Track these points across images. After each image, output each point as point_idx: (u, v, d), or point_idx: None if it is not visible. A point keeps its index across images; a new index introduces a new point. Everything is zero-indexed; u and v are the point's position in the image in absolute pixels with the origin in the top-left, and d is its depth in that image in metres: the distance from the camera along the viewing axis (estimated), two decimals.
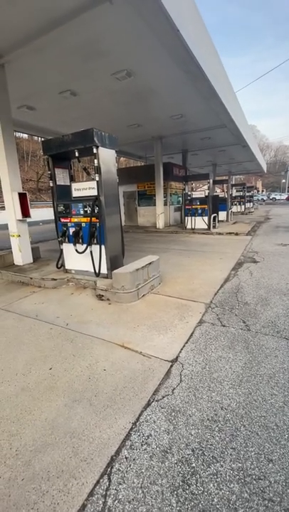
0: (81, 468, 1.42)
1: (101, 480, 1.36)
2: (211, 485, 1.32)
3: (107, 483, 1.34)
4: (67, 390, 2.00)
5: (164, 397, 1.91)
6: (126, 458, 1.47)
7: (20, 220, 5.27)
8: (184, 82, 6.10)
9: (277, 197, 46.14)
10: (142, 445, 1.54)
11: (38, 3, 3.62)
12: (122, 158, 26.91)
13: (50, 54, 4.85)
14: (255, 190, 28.78)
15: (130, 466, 1.42)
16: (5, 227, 5.57)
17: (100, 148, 3.87)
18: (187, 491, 1.29)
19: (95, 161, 3.89)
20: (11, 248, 5.55)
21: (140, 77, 5.95)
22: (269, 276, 4.61)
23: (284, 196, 45.65)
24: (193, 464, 1.42)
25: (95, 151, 3.84)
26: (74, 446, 1.55)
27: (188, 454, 1.48)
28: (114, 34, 4.41)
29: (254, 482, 1.33)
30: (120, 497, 1.27)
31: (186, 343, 2.60)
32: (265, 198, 46.93)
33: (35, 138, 28.98)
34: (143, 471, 1.40)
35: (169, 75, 5.83)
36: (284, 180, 60.20)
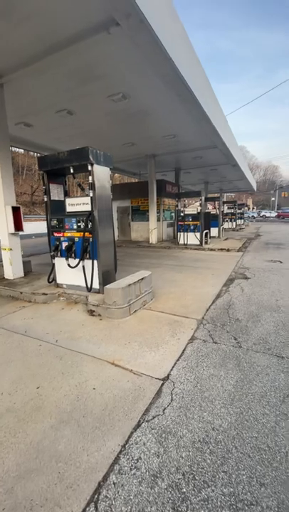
0: (66, 496, 1.35)
1: (87, 508, 1.29)
2: None
3: None
4: (54, 411, 1.93)
5: (154, 417, 1.86)
6: (114, 483, 1.41)
7: (12, 234, 5.25)
8: (177, 105, 6.41)
9: (267, 214, 47.44)
10: (130, 469, 1.49)
11: (39, 29, 3.82)
12: (116, 174, 27.45)
13: (48, 76, 5.05)
14: (246, 208, 29.55)
15: (118, 492, 1.36)
16: None
17: (95, 165, 3.96)
18: None
19: (90, 177, 3.97)
20: (1, 261, 5.48)
21: (135, 99, 6.22)
22: (260, 292, 4.67)
23: (274, 214, 47.01)
24: (184, 489, 1.38)
25: (89, 168, 3.93)
26: (60, 472, 1.48)
27: (178, 479, 1.43)
28: (110, 60, 4.65)
29: (246, 508, 1.29)
30: None
31: (178, 360, 2.57)
32: (255, 215, 48.21)
33: (31, 153, 29.42)
34: (131, 497, 1.34)
35: (163, 98, 6.12)
36: (273, 199, 62.24)
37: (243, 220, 24.57)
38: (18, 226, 5.23)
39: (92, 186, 3.98)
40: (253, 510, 1.28)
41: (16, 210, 5.19)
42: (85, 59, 4.57)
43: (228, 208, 21.37)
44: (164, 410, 1.92)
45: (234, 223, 20.89)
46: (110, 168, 4.31)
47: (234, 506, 1.29)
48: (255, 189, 31.60)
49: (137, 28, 3.58)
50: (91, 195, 4.01)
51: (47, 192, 4.51)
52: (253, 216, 46.17)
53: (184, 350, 2.76)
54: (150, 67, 4.74)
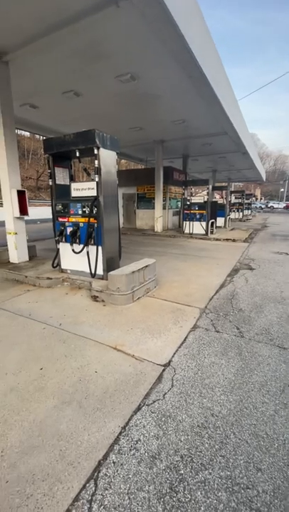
0: (67, 472, 1.39)
1: (87, 485, 1.33)
2: (199, 493, 1.30)
3: (94, 489, 1.31)
4: (57, 392, 1.98)
5: (154, 401, 1.89)
6: (114, 463, 1.45)
7: (17, 218, 5.24)
8: (187, 87, 6.16)
9: (275, 205, 46.57)
10: (130, 450, 1.52)
11: (45, 4, 3.64)
12: (122, 160, 27.01)
13: (55, 54, 4.86)
14: (254, 198, 29.01)
15: (118, 471, 1.40)
16: (1, 223, 5.52)
17: (101, 149, 3.87)
18: (174, 499, 1.27)
19: (96, 161, 3.89)
20: (6, 245, 5.50)
21: (144, 80, 5.99)
22: (264, 283, 4.63)
23: (282, 205, 46.10)
24: (182, 471, 1.41)
25: (95, 151, 3.84)
26: (61, 449, 1.52)
27: (176, 461, 1.46)
28: (119, 37, 4.44)
29: (242, 491, 1.31)
30: (106, 503, 1.25)
31: (180, 347, 2.59)
32: (263, 206, 47.33)
33: (37, 136, 28.99)
34: (130, 476, 1.38)
35: (173, 79, 5.88)
36: (282, 189, 60.84)
37: (250, 211, 24.16)
38: (23, 210, 5.21)
39: (97, 171, 3.91)
40: (249, 493, 1.30)
41: (21, 194, 5.15)
42: (93, 36, 4.37)
43: (236, 198, 20.96)
44: (164, 395, 1.95)
45: (241, 213, 20.56)
46: (117, 153, 4.21)
47: (230, 489, 1.32)
48: (264, 179, 30.85)
49: (147, 1, 3.38)
50: (97, 179, 3.94)
51: (52, 176, 4.45)
52: (260, 207, 45.35)
53: (186, 337, 2.78)
54: (160, 45, 4.52)
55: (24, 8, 3.71)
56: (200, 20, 4.89)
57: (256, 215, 27.52)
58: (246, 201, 21.93)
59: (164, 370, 2.24)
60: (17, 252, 5.36)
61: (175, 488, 1.32)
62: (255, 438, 1.61)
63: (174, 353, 2.48)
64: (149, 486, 1.33)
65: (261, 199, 59.73)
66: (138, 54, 4.95)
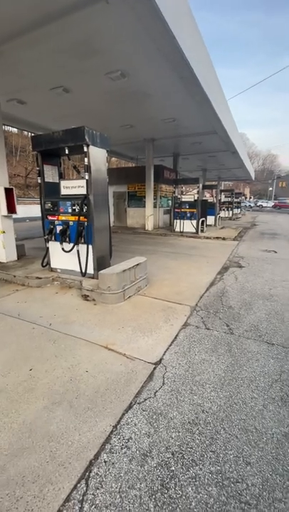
0: (58, 473, 1.38)
1: (78, 485, 1.33)
2: (190, 488, 1.32)
3: (85, 488, 1.31)
4: (47, 392, 1.95)
5: (146, 399, 1.90)
6: (105, 462, 1.44)
7: (5, 216, 5.12)
8: (178, 86, 6.16)
9: (264, 204, 47.36)
10: (121, 448, 1.52)
11: None
12: (113, 158, 26.82)
13: (43, 48, 4.76)
14: (243, 197, 29.46)
15: (109, 470, 1.40)
16: None
17: (91, 146, 3.83)
18: (165, 495, 1.28)
19: (85, 159, 3.85)
20: None
21: (134, 78, 5.95)
22: (253, 281, 4.71)
23: (270, 204, 46.95)
24: (173, 468, 1.42)
25: (85, 149, 3.80)
26: (52, 450, 1.50)
27: (168, 458, 1.47)
28: (109, 34, 4.38)
29: (232, 485, 1.34)
30: (97, 502, 1.25)
31: (170, 345, 2.61)
32: (252, 204, 48.07)
33: (25, 133, 28.37)
34: (122, 475, 1.38)
35: (164, 78, 5.87)
36: (271, 188, 61.97)
37: (239, 210, 24.50)
38: (11, 208, 5.11)
39: (87, 169, 3.87)
40: (239, 487, 1.33)
41: (8, 192, 5.04)
42: (83, 31, 4.29)
43: (226, 197, 21.20)
44: (155, 393, 1.96)
45: (231, 212, 20.83)
46: (107, 151, 4.18)
47: (220, 483, 1.34)
48: (253, 178, 31.34)
49: None
50: (87, 177, 3.90)
51: (41, 173, 4.37)
52: (249, 206, 46.05)
53: (176, 335, 2.80)
54: (151, 43, 4.49)
55: (11, 0, 3.61)
56: (190, 19, 4.89)
57: (246, 214, 27.95)
58: (236, 200, 22.22)
59: (155, 368, 2.25)
60: (5, 251, 5.25)
61: (166, 485, 1.33)
62: (245, 433, 1.64)
63: (165, 351, 2.50)
64: (140, 484, 1.33)
65: (250, 198, 60.67)
66: (128, 51, 4.91)
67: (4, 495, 1.27)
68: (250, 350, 2.53)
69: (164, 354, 2.45)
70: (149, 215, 12.08)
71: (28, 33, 4.24)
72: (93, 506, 1.23)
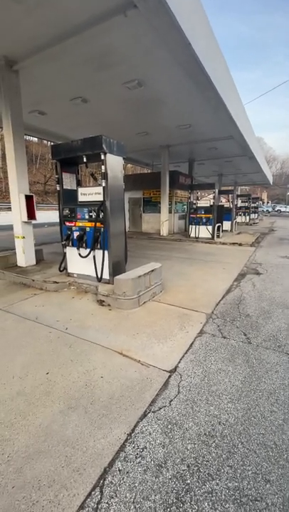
0: (73, 479, 1.38)
1: (93, 492, 1.32)
2: (206, 504, 1.28)
3: (99, 496, 1.30)
4: (63, 396, 1.98)
5: (160, 408, 1.87)
6: (119, 470, 1.43)
7: (25, 222, 5.32)
8: (194, 92, 6.20)
9: (283, 209, 46.04)
10: (136, 458, 1.51)
11: (53, 14, 3.74)
12: (128, 165, 27.21)
13: (63, 62, 4.97)
14: (261, 202, 28.81)
15: (123, 479, 1.39)
16: (9, 227, 5.61)
17: (108, 154, 3.92)
18: (181, 509, 1.25)
19: (102, 167, 3.93)
20: (14, 249, 5.58)
21: (151, 86, 6.06)
22: (272, 288, 4.56)
23: None
24: (188, 481, 1.38)
25: (102, 157, 3.89)
26: (67, 455, 1.52)
27: (183, 470, 1.44)
28: (127, 45, 4.51)
29: (250, 503, 1.28)
30: (112, 511, 1.24)
31: (186, 353, 2.57)
32: (270, 209, 46.87)
33: (45, 142, 29.49)
34: (136, 485, 1.36)
35: (179, 84, 5.92)
36: None
37: (257, 215, 23.95)
38: (31, 215, 5.29)
39: (104, 176, 3.95)
40: (258, 505, 1.27)
41: (29, 199, 5.23)
42: (100, 44, 4.45)
43: (242, 202, 20.84)
44: (170, 402, 1.93)
45: (248, 217, 20.41)
46: (123, 158, 4.25)
47: (238, 501, 1.29)
48: (271, 182, 30.61)
49: (155, 10, 3.43)
50: (103, 184, 3.98)
51: (60, 181, 4.51)
52: (267, 210, 44.93)
53: (192, 343, 2.75)
54: (167, 52, 4.57)
55: (34, 18, 3.82)
56: (205, 25, 4.93)
57: (263, 219, 27.27)
58: (253, 205, 21.77)
59: (170, 376, 2.22)
60: (24, 256, 5.43)
61: (182, 499, 1.30)
62: (264, 448, 1.57)
63: (180, 359, 2.46)
64: (155, 496, 1.31)
65: (268, 202, 59.17)
66: (145, 61, 5.02)
67: (21, 498, 1.29)
68: (268, 361, 2.44)
69: (179, 362, 2.42)
70: (164, 221, 12.09)
71: (48, 49, 4.46)
72: None
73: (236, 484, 1.37)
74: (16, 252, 5.55)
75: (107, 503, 1.27)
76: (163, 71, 5.36)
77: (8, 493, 1.31)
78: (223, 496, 1.31)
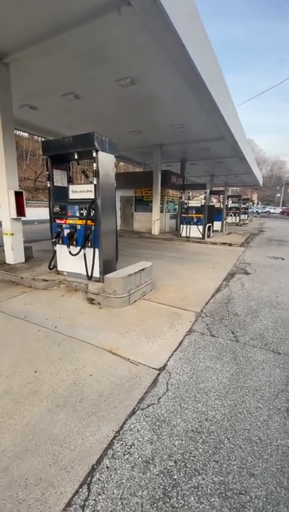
0: (60, 477, 1.38)
1: (80, 490, 1.32)
2: (192, 498, 1.30)
3: (87, 494, 1.31)
4: (51, 395, 1.96)
5: (149, 405, 1.89)
6: (107, 467, 1.44)
7: (14, 219, 5.22)
8: (187, 93, 6.23)
9: (272, 210, 46.98)
10: (124, 455, 1.52)
11: (46, 8, 3.67)
12: (120, 163, 27.07)
13: (56, 57, 4.89)
14: (251, 203, 29.33)
15: (111, 476, 1.40)
16: None
17: (100, 152, 3.89)
18: (167, 504, 1.27)
19: (94, 164, 3.91)
20: (3, 246, 5.47)
21: (144, 85, 6.05)
22: (260, 288, 4.66)
23: (278, 210, 46.52)
24: (175, 476, 1.41)
25: (94, 154, 3.86)
26: (54, 454, 1.51)
27: (170, 466, 1.46)
28: (120, 43, 4.48)
29: (235, 497, 1.31)
30: (99, 508, 1.24)
31: (175, 351, 2.59)
32: (259, 210, 47.70)
33: (36, 137, 28.94)
34: (124, 481, 1.37)
35: (173, 85, 5.94)
36: (279, 195, 61.45)
37: (246, 215, 24.32)
38: (20, 211, 5.20)
39: (96, 173, 3.92)
40: (242, 499, 1.31)
41: (18, 195, 5.14)
42: (94, 41, 4.41)
43: (233, 202, 21.12)
44: (159, 399, 1.95)
45: (238, 218, 20.71)
46: (115, 156, 4.23)
47: (223, 494, 1.32)
48: (261, 184, 31.15)
49: (149, 9, 3.43)
50: (95, 182, 3.95)
51: (50, 178, 4.45)
52: (257, 211, 45.71)
53: (181, 341, 2.78)
54: (161, 51, 4.57)
55: (25, 11, 3.74)
56: (200, 28, 4.96)
57: (253, 220, 27.72)
58: (243, 206, 22.10)
59: (159, 374, 2.24)
60: (13, 253, 5.33)
61: (168, 494, 1.32)
62: (249, 443, 1.61)
63: (170, 357, 2.49)
64: (142, 491, 1.33)
65: (258, 204, 60.20)
66: (139, 59, 5.00)
67: (7, 497, 1.28)
68: (255, 359, 2.50)
69: (168, 360, 2.44)
70: (155, 220, 12.11)
71: (41, 42, 4.37)
72: None
73: (222, 479, 1.40)
74: (4, 249, 5.45)
75: (94, 499, 1.28)
76: (156, 70, 5.35)
77: None
78: (208, 490, 1.34)
